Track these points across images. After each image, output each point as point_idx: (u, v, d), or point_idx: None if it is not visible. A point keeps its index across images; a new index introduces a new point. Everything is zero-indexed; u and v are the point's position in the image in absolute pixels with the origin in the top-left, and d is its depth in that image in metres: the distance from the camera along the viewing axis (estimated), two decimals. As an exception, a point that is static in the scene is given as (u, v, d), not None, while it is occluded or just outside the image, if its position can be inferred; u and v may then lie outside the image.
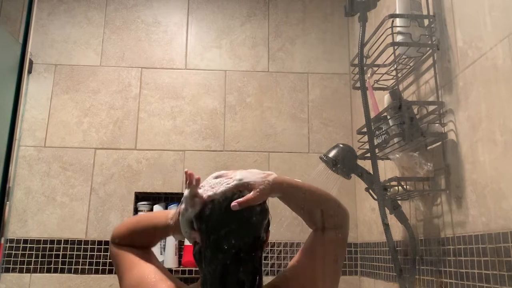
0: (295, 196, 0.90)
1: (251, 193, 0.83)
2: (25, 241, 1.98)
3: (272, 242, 2.01)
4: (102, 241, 2.00)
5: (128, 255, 0.93)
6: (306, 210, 0.92)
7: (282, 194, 0.89)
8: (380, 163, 1.57)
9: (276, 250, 2.00)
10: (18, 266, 1.96)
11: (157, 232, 0.96)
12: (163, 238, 0.99)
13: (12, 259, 1.96)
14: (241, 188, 0.83)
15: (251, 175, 0.86)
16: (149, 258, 0.93)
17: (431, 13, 1.34)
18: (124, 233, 0.97)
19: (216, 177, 0.87)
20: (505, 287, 0.97)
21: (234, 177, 0.85)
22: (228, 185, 0.83)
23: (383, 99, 1.44)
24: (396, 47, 1.37)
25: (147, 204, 2.04)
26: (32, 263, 1.96)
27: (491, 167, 1.05)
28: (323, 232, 0.91)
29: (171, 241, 1.97)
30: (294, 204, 0.92)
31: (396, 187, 1.39)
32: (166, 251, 1.97)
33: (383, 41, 1.41)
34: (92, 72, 2.18)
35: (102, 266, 1.98)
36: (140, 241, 0.96)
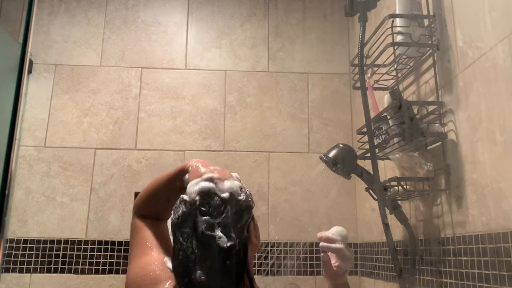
0: None
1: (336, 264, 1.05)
2: (25, 241, 1.98)
3: (272, 242, 2.01)
4: (102, 241, 2.00)
5: (144, 236, 0.92)
6: None
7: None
8: (380, 163, 1.57)
9: (276, 250, 2.00)
10: (18, 266, 1.95)
11: (170, 182, 0.95)
12: (176, 192, 0.94)
13: (12, 259, 1.96)
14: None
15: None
16: (162, 237, 0.92)
17: (431, 13, 1.34)
18: (142, 197, 0.98)
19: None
20: (505, 287, 0.97)
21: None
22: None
23: (383, 99, 1.44)
24: (396, 47, 1.37)
25: (147, 204, 2.04)
26: (32, 263, 1.96)
27: (491, 167, 1.05)
28: None
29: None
30: None
31: (396, 187, 1.39)
32: (166, 251, 1.97)
33: (383, 41, 1.41)
34: (92, 72, 2.18)
35: (102, 266, 1.98)
36: (156, 205, 0.95)
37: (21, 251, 1.97)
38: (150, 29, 2.25)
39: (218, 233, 0.76)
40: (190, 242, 0.77)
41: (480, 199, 1.09)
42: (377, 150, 1.44)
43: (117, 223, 2.02)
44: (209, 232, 0.76)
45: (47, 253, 1.98)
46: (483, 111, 1.09)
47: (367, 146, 1.50)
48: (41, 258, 1.97)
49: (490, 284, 1.02)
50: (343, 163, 1.45)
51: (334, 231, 1.10)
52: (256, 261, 1.95)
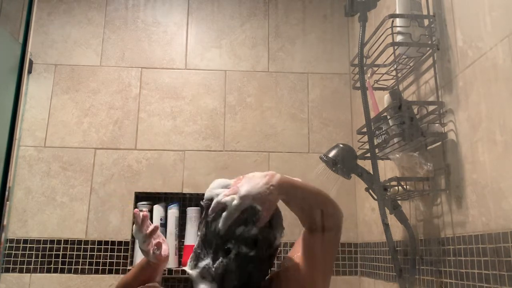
0: (296, 197, 0.90)
1: (262, 213, 0.85)
2: (25, 241, 1.98)
3: (272, 242, 2.01)
4: (102, 241, 2.00)
5: None
6: (304, 209, 0.92)
7: (285, 197, 0.90)
8: (380, 163, 1.57)
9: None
10: (18, 266, 1.95)
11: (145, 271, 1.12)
12: (152, 273, 1.13)
13: (12, 259, 1.96)
14: (247, 208, 0.84)
15: (254, 184, 0.85)
16: None
17: (431, 13, 1.34)
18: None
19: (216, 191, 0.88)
20: (505, 287, 0.97)
21: (238, 194, 0.85)
22: (232, 209, 0.84)
23: (383, 99, 1.44)
24: (396, 47, 1.37)
25: (147, 204, 2.04)
26: (32, 263, 1.96)
27: (491, 167, 1.05)
28: (317, 232, 0.92)
29: (171, 241, 1.97)
30: (293, 203, 0.92)
31: (396, 187, 1.39)
32: (166, 251, 1.97)
33: (383, 41, 1.41)
34: (92, 72, 2.18)
35: (102, 266, 1.98)
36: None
37: (21, 251, 1.97)
38: (150, 29, 2.25)
39: None
40: None
41: (480, 199, 1.09)
42: (377, 150, 1.44)
43: (117, 223, 2.02)
44: None
45: (47, 253, 1.98)
46: (483, 111, 1.09)
47: (367, 146, 1.50)
48: (41, 258, 1.97)
49: (490, 284, 1.02)
50: (343, 163, 1.45)
51: (214, 185, 0.92)
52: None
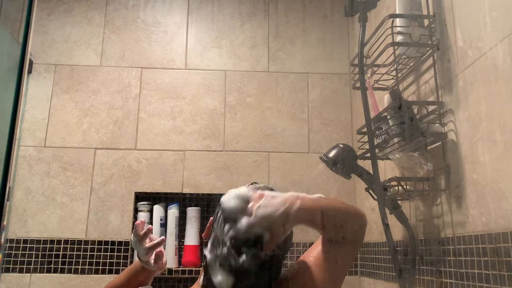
0: (316, 220, 0.86)
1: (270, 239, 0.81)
2: (25, 241, 1.98)
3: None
4: (102, 241, 2.00)
5: None
6: (325, 227, 0.87)
7: (303, 223, 0.87)
8: (380, 163, 1.57)
9: (276, 250, 2.00)
10: (18, 266, 1.95)
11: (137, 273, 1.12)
12: (144, 276, 1.11)
13: (12, 259, 1.96)
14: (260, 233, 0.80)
15: (272, 211, 0.80)
16: None
17: (431, 13, 1.34)
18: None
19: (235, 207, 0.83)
20: (505, 287, 0.97)
21: (253, 217, 0.79)
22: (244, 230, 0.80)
23: (383, 99, 1.44)
24: (396, 47, 1.37)
25: (147, 204, 2.04)
26: (32, 263, 1.96)
27: (491, 167, 1.05)
28: (338, 244, 0.88)
29: (171, 241, 1.97)
30: (313, 226, 0.88)
31: (396, 187, 1.39)
32: (166, 251, 1.97)
33: (383, 41, 1.41)
34: (92, 72, 2.18)
35: (102, 266, 1.98)
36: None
37: (21, 251, 1.97)
38: (150, 29, 2.25)
39: None
40: None
41: (480, 199, 1.09)
42: (377, 150, 1.44)
43: (117, 223, 2.02)
44: None
45: (47, 253, 1.98)
46: (483, 111, 1.09)
47: (367, 146, 1.50)
48: (41, 258, 1.97)
49: (490, 284, 1.02)
50: (343, 163, 1.45)
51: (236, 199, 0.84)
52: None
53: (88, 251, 1.99)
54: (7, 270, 1.95)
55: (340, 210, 0.90)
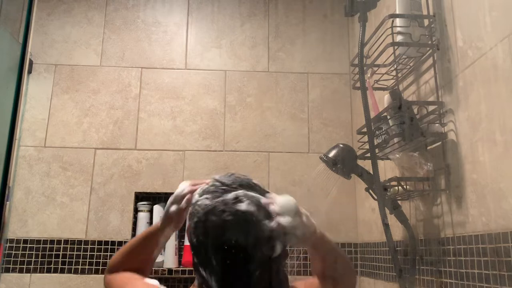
0: (322, 250, 0.88)
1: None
2: (25, 241, 1.98)
3: (272, 242, 2.01)
4: (102, 241, 2.00)
5: (120, 275, 0.93)
6: (325, 261, 0.89)
7: (313, 248, 0.88)
8: (380, 163, 1.57)
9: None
10: (18, 266, 1.95)
11: (152, 240, 0.99)
12: (158, 246, 1.01)
13: (12, 259, 1.96)
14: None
15: (307, 226, 0.80)
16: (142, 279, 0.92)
17: (431, 13, 1.34)
18: (118, 258, 0.99)
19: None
20: (505, 287, 0.97)
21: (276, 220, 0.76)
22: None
23: (383, 99, 1.44)
24: (396, 47, 1.37)
25: (147, 204, 2.04)
26: (32, 263, 1.96)
27: (491, 167, 1.05)
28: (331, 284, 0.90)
29: (171, 242, 1.97)
30: (316, 256, 0.90)
31: (396, 187, 1.39)
32: (166, 251, 1.97)
33: (383, 41, 1.41)
34: (92, 72, 2.18)
35: (102, 266, 1.98)
36: (136, 260, 0.97)
37: (21, 251, 1.97)
38: (150, 29, 2.25)
39: None
40: None
41: (480, 199, 1.09)
42: (377, 150, 1.44)
43: (117, 223, 2.02)
44: None
45: (47, 253, 1.98)
46: (483, 111, 1.09)
47: (367, 146, 1.50)
48: (41, 258, 1.97)
49: (490, 284, 1.02)
50: (343, 163, 1.45)
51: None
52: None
53: (88, 251, 1.99)
54: (7, 270, 1.95)
55: (339, 250, 0.93)
